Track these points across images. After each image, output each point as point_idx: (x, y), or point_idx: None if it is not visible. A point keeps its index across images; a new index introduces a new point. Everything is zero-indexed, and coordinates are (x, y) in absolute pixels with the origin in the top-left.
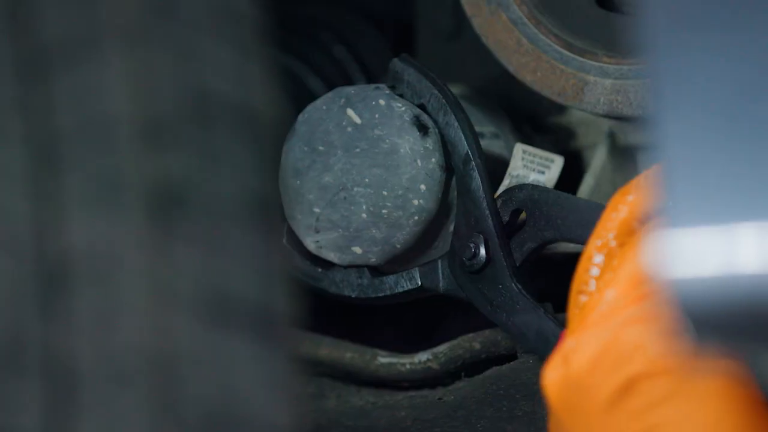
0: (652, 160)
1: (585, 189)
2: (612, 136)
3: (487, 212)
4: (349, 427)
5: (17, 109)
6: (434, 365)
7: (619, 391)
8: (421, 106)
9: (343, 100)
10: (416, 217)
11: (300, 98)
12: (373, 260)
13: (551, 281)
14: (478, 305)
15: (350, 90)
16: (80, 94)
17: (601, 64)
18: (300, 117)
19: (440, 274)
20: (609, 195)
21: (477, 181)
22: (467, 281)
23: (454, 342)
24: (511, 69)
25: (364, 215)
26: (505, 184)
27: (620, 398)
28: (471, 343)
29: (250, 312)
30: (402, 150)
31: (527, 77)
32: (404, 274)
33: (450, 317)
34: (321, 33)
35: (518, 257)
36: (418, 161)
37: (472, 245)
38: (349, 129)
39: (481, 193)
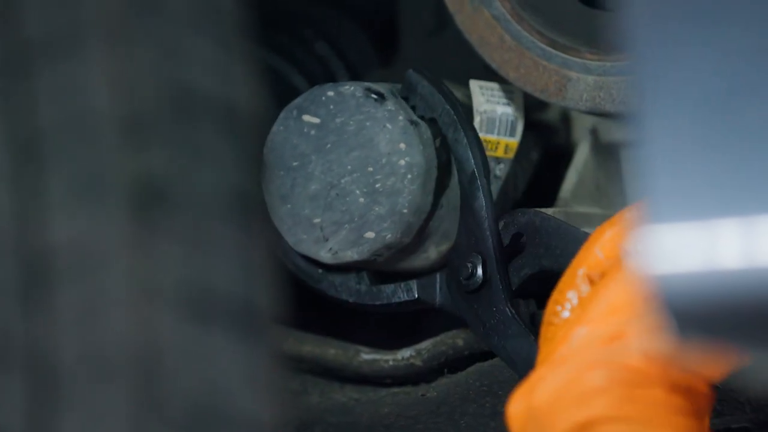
0: (634, 156)
1: (568, 185)
2: (595, 133)
3: (488, 233)
4: (332, 424)
5: None
6: (417, 362)
7: (575, 430)
8: (432, 120)
9: (295, 112)
10: (409, 175)
11: (282, 95)
12: (389, 237)
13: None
14: (470, 325)
15: (297, 100)
16: (62, 91)
17: (584, 61)
18: (265, 149)
19: (437, 289)
20: (592, 192)
21: (480, 201)
22: (462, 300)
23: (437, 339)
24: (494, 65)
25: (361, 200)
26: (477, 121)
27: None
28: (454, 339)
29: (232, 307)
30: (368, 123)
31: (510, 74)
32: (402, 285)
33: (433, 314)
34: (303, 29)
35: (515, 282)
36: (387, 125)
37: (470, 265)
38: (313, 132)
39: (483, 213)
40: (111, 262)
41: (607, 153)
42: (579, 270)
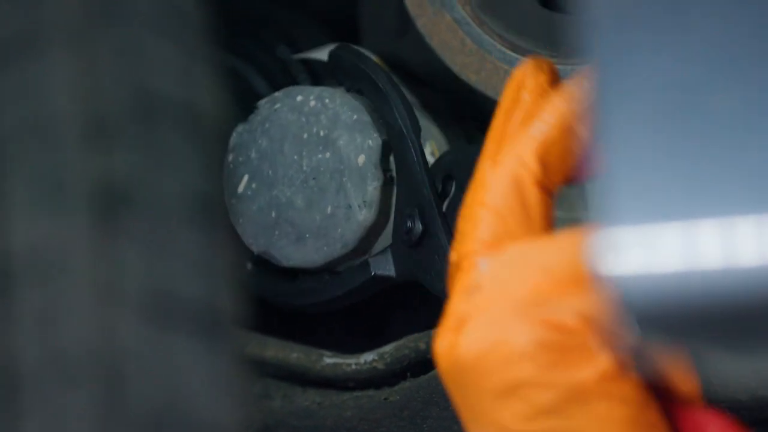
0: (596, 158)
1: None
2: None
3: (421, 183)
4: (295, 428)
5: None
6: (380, 365)
7: (505, 390)
8: (359, 91)
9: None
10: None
11: (244, 98)
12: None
13: None
14: (420, 279)
15: (239, 133)
16: (23, 93)
17: None
18: (228, 151)
19: (391, 261)
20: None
21: (411, 156)
22: (409, 257)
23: (399, 342)
24: (455, 69)
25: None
26: None
27: (505, 397)
28: (416, 343)
29: (195, 311)
30: (327, 126)
31: (471, 77)
32: (357, 267)
33: (395, 318)
34: (265, 32)
35: (454, 221)
36: (323, 119)
37: (408, 219)
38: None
39: (415, 166)
40: (73, 267)
41: None
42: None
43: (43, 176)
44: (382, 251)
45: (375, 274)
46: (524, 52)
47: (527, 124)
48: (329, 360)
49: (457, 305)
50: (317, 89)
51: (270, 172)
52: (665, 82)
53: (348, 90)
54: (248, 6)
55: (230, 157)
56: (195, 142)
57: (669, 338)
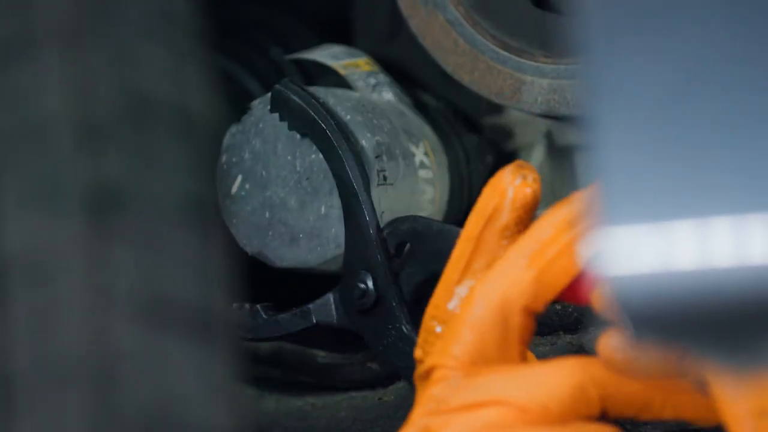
0: (588, 159)
1: None
2: (549, 136)
3: (374, 248)
4: (288, 429)
5: None
6: (374, 366)
7: None
8: (305, 135)
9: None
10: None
11: (237, 100)
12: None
13: None
14: (370, 343)
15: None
16: (15, 96)
17: (538, 64)
18: (221, 152)
19: (333, 309)
20: (546, 195)
21: (363, 216)
22: (358, 318)
23: None
24: (449, 69)
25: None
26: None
27: None
28: None
29: (188, 313)
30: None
31: (464, 77)
32: (298, 312)
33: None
34: (257, 34)
35: (409, 291)
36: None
37: (361, 284)
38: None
39: (367, 228)
40: (66, 269)
41: (561, 156)
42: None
43: (36, 179)
44: (322, 299)
45: (317, 321)
46: (517, 52)
47: (516, 238)
48: (323, 360)
49: (421, 417)
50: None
51: (263, 172)
52: (659, 83)
53: (291, 130)
54: (240, 8)
55: (224, 158)
56: (188, 145)
57: (663, 338)
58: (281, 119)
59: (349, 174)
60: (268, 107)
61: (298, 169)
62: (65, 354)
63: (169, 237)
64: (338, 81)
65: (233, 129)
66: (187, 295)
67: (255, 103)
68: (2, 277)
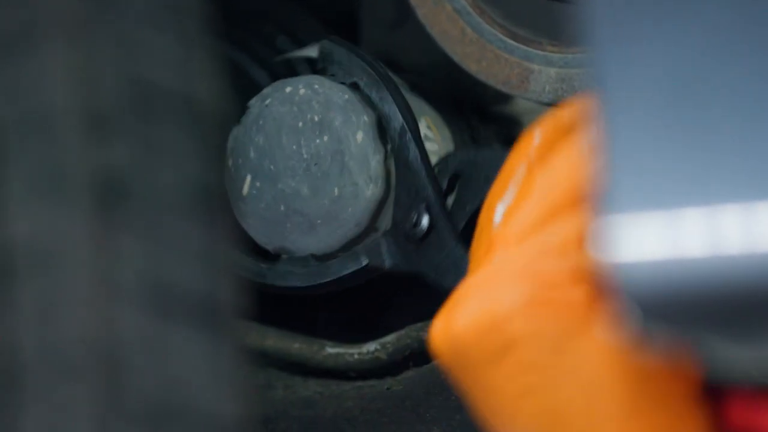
0: (596, 147)
1: None
2: None
3: (427, 180)
4: (296, 418)
5: None
6: (382, 355)
7: (497, 352)
8: (354, 85)
9: (259, 103)
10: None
11: (244, 89)
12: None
13: None
14: (423, 274)
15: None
16: (21, 85)
17: (546, 53)
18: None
19: (384, 251)
20: None
21: (414, 152)
22: (412, 252)
23: (401, 332)
24: (456, 58)
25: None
26: None
27: (498, 360)
28: (419, 332)
29: (194, 302)
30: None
31: (472, 67)
32: (349, 255)
33: (397, 307)
34: (264, 24)
35: (461, 221)
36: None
37: (414, 214)
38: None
39: (419, 162)
40: (72, 258)
41: None
42: (513, 170)
43: (42, 168)
44: (373, 242)
45: (368, 263)
46: (525, 41)
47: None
48: (331, 350)
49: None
50: (304, 78)
51: (271, 167)
52: (667, 70)
53: (341, 83)
54: None
55: (230, 162)
56: (194, 134)
57: (671, 326)
58: (328, 73)
59: (399, 114)
60: (266, 103)
61: (305, 156)
62: (72, 344)
63: (175, 226)
64: None
65: (234, 131)
66: (194, 284)
67: (252, 101)
68: (8, 266)
